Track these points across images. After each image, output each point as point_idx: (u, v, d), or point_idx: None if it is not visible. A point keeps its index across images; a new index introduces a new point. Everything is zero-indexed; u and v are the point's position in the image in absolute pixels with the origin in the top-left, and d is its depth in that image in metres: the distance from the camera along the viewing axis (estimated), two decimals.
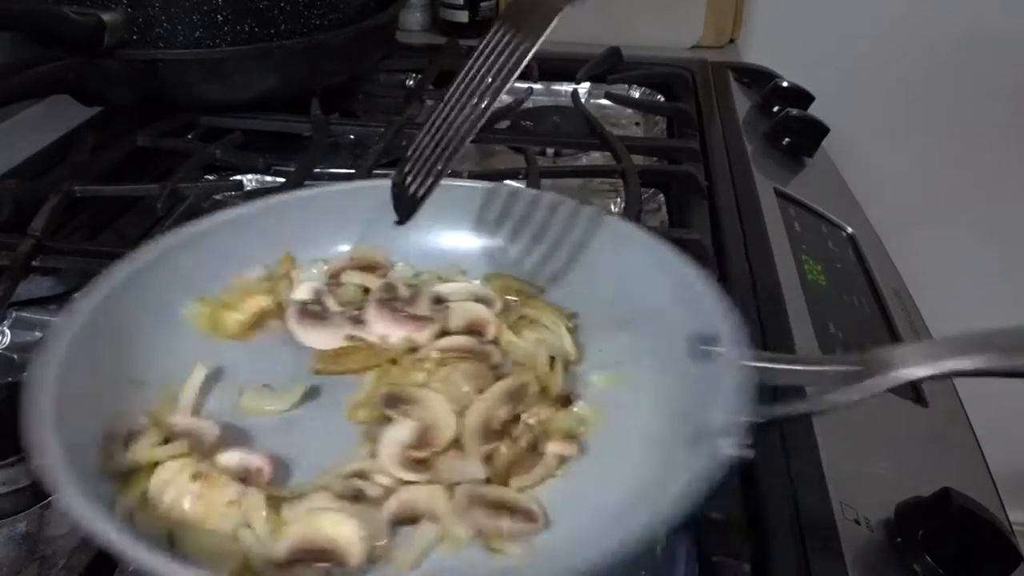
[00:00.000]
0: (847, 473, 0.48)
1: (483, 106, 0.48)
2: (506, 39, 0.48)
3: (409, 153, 0.51)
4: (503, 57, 0.48)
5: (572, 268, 0.58)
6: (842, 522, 0.45)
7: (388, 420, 0.47)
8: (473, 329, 0.54)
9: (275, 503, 0.41)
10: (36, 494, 0.48)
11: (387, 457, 0.44)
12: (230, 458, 0.44)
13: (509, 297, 0.57)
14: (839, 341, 0.62)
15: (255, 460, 0.44)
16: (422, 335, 0.52)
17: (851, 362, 0.42)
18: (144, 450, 0.43)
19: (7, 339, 0.61)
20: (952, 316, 1.18)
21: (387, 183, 0.55)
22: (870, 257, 0.80)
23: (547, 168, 0.80)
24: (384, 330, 0.52)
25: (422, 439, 0.45)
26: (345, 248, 0.59)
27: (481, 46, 0.49)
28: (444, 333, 0.54)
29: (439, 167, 0.50)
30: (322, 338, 0.52)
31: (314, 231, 0.58)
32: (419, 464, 0.44)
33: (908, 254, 0.96)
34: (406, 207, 0.52)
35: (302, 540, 0.39)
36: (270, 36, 0.84)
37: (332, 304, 0.55)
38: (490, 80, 0.48)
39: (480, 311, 0.55)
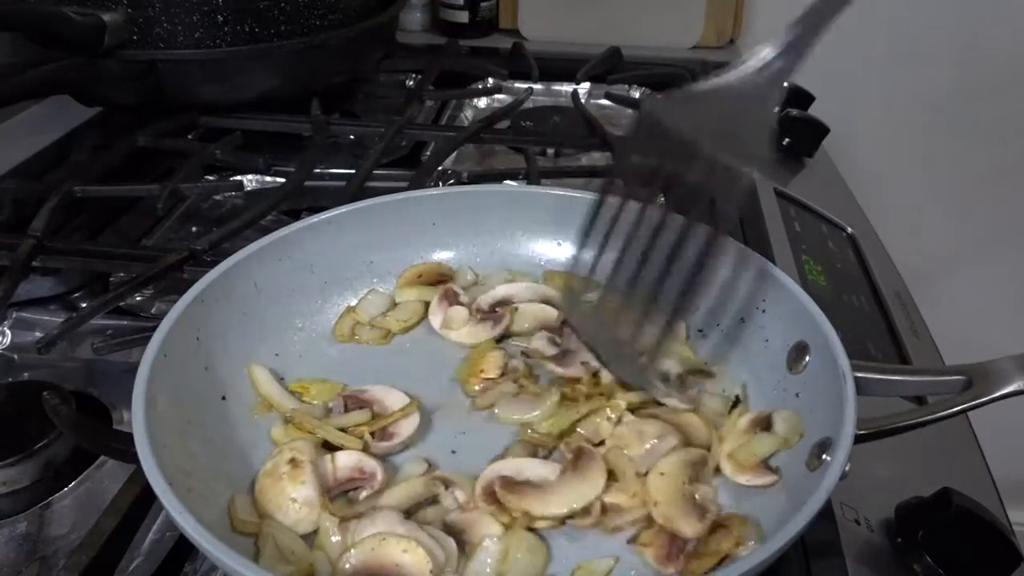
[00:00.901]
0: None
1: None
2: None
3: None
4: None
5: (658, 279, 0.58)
6: (842, 522, 0.45)
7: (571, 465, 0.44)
8: (544, 329, 0.54)
9: (345, 519, 0.41)
10: (36, 494, 0.48)
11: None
12: (347, 459, 0.45)
13: None
14: None
15: (370, 464, 0.44)
16: (495, 331, 0.54)
17: (954, 373, 0.42)
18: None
19: (7, 339, 0.61)
20: (952, 316, 1.18)
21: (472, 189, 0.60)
22: (870, 257, 0.80)
23: (547, 168, 0.80)
24: (460, 328, 0.54)
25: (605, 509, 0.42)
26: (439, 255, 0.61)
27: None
28: (509, 333, 0.55)
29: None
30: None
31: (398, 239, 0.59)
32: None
33: (908, 254, 0.96)
34: None
35: (367, 564, 0.38)
36: (270, 36, 0.84)
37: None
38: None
39: (549, 313, 0.55)
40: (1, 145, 0.87)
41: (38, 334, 0.60)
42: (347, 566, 0.38)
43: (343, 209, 0.57)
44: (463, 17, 1.28)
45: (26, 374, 0.58)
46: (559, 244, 0.61)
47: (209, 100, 0.86)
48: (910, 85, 1.40)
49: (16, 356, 0.59)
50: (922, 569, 0.43)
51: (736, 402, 0.48)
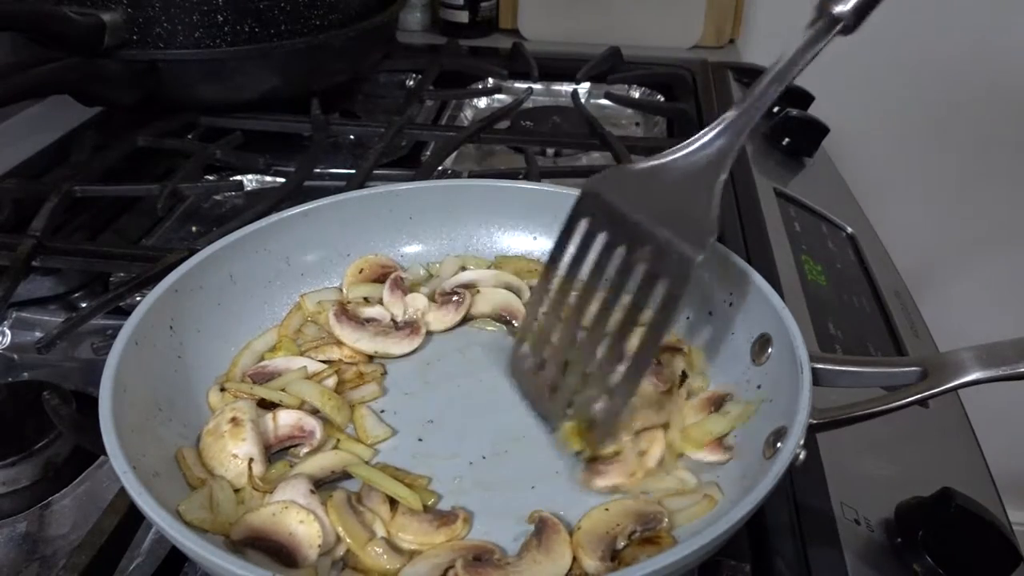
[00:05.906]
0: (847, 473, 0.48)
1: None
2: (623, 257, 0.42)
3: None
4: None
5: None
6: (842, 522, 0.45)
7: None
8: (501, 316, 0.56)
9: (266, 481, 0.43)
10: (36, 494, 0.48)
11: None
12: (287, 417, 0.46)
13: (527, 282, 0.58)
14: (839, 341, 0.62)
15: (309, 422, 0.46)
16: (458, 314, 0.55)
17: (911, 364, 0.42)
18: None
19: (7, 339, 0.61)
20: (952, 316, 1.18)
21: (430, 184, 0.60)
22: (870, 257, 0.80)
23: (547, 168, 0.80)
24: (350, 339, 0.53)
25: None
26: (412, 249, 0.61)
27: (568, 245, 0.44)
28: (470, 316, 0.56)
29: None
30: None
31: (367, 234, 0.59)
32: None
33: (908, 254, 0.96)
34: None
35: (264, 527, 0.39)
36: (270, 36, 0.84)
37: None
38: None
39: (509, 298, 0.56)
40: (1, 145, 0.87)
41: (38, 334, 0.60)
42: (246, 525, 0.39)
43: (320, 202, 0.58)
44: (463, 17, 1.28)
45: (26, 374, 0.58)
46: (535, 238, 0.61)
47: (209, 100, 0.86)
48: (909, 86, 1.40)
49: (16, 356, 0.59)
50: (922, 569, 0.43)
51: (684, 378, 0.49)
